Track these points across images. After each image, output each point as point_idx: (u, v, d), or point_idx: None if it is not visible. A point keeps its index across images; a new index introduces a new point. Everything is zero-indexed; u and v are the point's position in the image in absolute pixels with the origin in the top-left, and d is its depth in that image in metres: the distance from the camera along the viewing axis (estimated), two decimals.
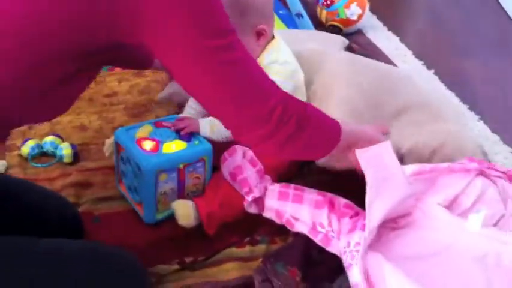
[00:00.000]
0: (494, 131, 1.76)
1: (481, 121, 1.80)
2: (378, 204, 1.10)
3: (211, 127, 1.36)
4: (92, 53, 0.90)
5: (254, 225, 1.33)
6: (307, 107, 1.02)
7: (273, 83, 0.98)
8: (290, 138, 0.99)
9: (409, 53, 2.20)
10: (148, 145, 1.29)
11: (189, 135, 1.35)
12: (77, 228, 1.22)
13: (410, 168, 1.25)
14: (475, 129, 1.76)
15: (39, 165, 1.49)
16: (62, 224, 1.16)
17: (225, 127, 1.00)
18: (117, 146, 1.35)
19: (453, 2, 2.72)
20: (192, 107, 1.51)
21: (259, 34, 1.37)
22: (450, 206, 1.20)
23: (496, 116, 1.85)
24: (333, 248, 1.18)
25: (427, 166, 1.25)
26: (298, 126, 0.98)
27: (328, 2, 2.23)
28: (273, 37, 1.43)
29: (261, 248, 1.30)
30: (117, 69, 1.92)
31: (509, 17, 2.57)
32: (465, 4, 2.72)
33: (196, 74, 0.91)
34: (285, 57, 1.41)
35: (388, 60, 2.12)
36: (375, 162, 1.15)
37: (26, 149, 1.50)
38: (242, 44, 0.94)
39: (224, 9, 0.90)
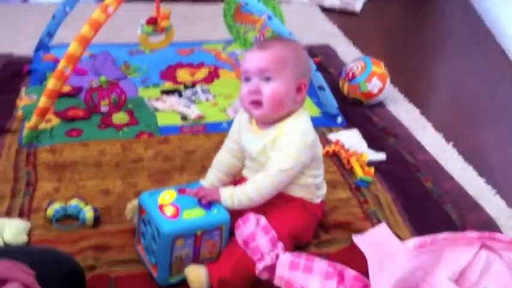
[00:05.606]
0: (510, 205, 1.74)
1: (498, 195, 1.79)
2: (383, 276, 1.12)
3: (231, 196, 1.38)
4: None
5: None
6: None
7: None
8: None
9: (429, 125, 2.21)
10: (169, 211, 1.33)
11: (210, 203, 1.38)
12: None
13: (412, 242, 1.27)
14: (491, 203, 1.74)
15: (62, 227, 1.53)
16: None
17: None
18: (140, 208, 1.40)
19: (473, 72, 2.74)
20: (213, 173, 1.53)
21: (299, 89, 1.40)
22: (457, 280, 1.21)
23: None
24: None
25: (427, 238, 1.27)
26: None
27: (350, 76, 2.28)
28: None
29: None
30: (144, 136, 2.00)
31: None
32: (484, 73, 2.73)
33: None
34: (305, 127, 1.41)
35: (407, 133, 2.14)
36: (374, 243, 1.17)
37: (51, 211, 1.55)
38: None
39: None
